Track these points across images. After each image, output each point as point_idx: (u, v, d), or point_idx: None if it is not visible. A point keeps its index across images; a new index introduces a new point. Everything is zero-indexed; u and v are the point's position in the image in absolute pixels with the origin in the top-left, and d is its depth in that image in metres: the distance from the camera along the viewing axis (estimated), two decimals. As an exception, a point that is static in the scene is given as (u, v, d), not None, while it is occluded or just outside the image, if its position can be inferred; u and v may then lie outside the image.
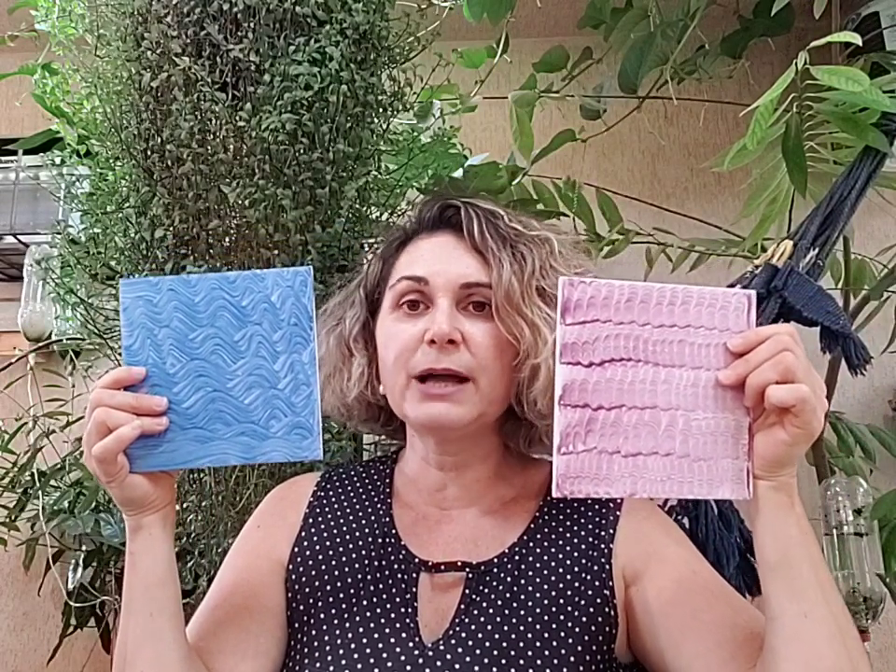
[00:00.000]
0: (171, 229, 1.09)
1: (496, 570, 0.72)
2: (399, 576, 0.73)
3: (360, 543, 0.76)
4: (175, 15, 1.07)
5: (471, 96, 1.54)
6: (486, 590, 0.71)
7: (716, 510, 0.97)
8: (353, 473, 0.85)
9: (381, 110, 1.18)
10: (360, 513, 0.80)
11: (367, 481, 0.84)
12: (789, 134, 1.06)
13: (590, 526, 0.75)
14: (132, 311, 0.65)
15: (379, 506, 0.80)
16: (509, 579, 0.72)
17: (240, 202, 1.06)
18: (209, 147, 1.07)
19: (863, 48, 1.23)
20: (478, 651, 0.67)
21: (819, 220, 1.01)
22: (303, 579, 0.75)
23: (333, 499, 0.81)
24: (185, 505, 1.14)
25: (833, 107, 1.04)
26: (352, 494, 0.82)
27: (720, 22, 1.59)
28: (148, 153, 1.10)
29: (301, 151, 1.06)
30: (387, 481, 0.83)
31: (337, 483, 0.83)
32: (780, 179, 1.23)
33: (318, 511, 0.80)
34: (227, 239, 1.11)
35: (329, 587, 0.74)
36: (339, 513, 0.80)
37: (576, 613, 0.70)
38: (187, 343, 0.65)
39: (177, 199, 1.09)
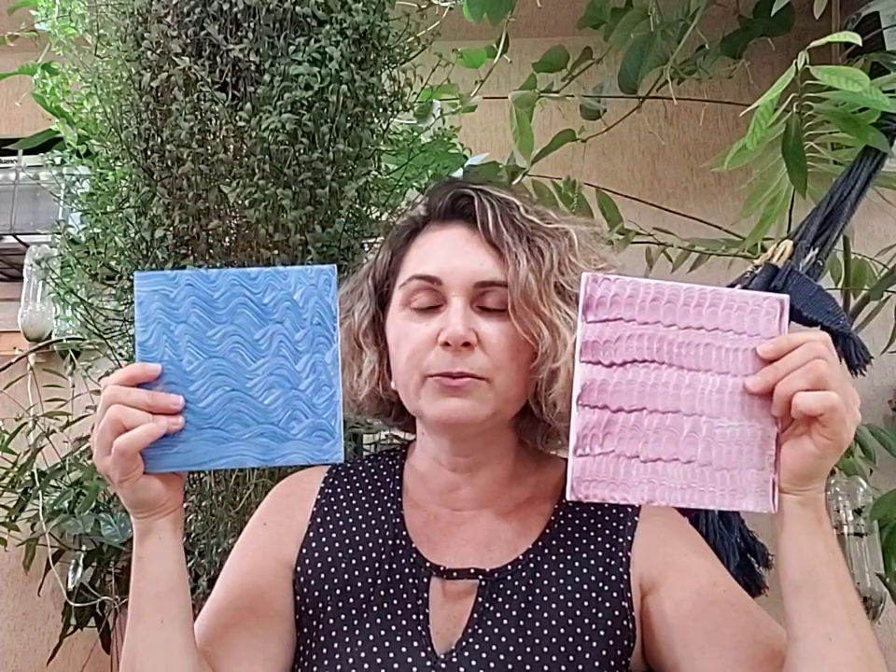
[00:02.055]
0: (171, 229, 1.09)
1: (509, 578, 0.70)
2: (411, 581, 0.71)
3: (370, 546, 0.74)
4: (175, 15, 1.07)
5: (471, 96, 1.54)
6: (500, 599, 0.69)
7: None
8: (361, 469, 0.82)
9: (381, 110, 1.17)
10: (370, 513, 0.77)
11: (376, 477, 0.81)
12: (789, 134, 1.06)
13: (607, 532, 0.73)
14: (147, 305, 0.62)
15: (389, 505, 0.77)
16: (523, 588, 0.69)
17: (240, 202, 1.05)
18: (209, 147, 1.07)
19: (863, 48, 1.23)
20: (491, 665, 0.66)
21: (819, 220, 1.01)
22: (312, 582, 0.73)
23: (341, 497, 0.79)
24: (185, 505, 1.14)
25: (833, 107, 1.04)
26: (360, 492, 0.79)
27: (720, 22, 1.59)
28: (148, 153, 1.10)
29: (301, 151, 1.06)
30: (397, 478, 0.80)
31: (345, 480, 0.81)
32: (780, 179, 1.23)
33: (326, 509, 0.78)
34: (227, 239, 1.11)
35: (338, 591, 0.72)
36: (347, 513, 0.77)
37: (593, 627, 0.68)
38: (204, 340, 0.62)
39: (177, 199, 1.09)
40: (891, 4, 1.80)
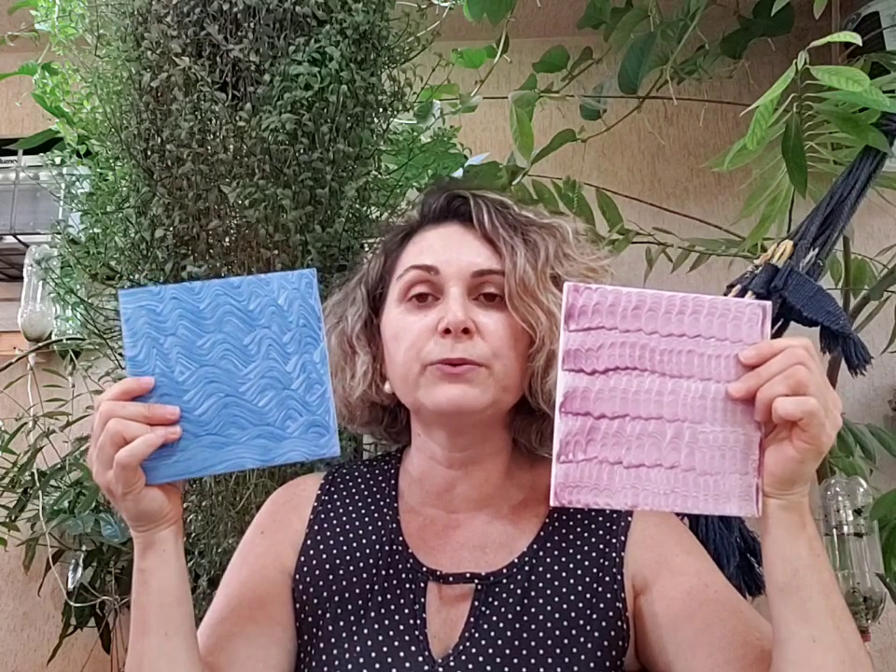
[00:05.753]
0: (171, 229, 1.09)
1: (505, 581, 0.71)
2: (408, 586, 0.72)
3: (367, 552, 0.75)
4: (175, 15, 1.07)
5: (471, 96, 1.53)
6: (496, 602, 0.70)
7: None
8: (357, 474, 0.83)
9: (381, 110, 1.17)
10: (366, 519, 0.77)
11: (371, 483, 0.81)
12: (789, 134, 1.06)
13: (600, 532, 0.73)
14: (134, 321, 0.63)
15: (385, 510, 0.78)
16: (519, 591, 0.70)
17: (240, 202, 1.05)
18: (209, 147, 1.07)
19: (863, 48, 1.23)
20: (488, 668, 0.66)
21: (819, 220, 1.01)
22: (311, 589, 0.73)
23: (338, 503, 0.79)
24: (185, 505, 1.14)
25: (833, 107, 1.04)
26: (357, 497, 0.80)
27: (720, 22, 1.59)
28: (148, 153, 1.09)
29: (301, 151, 1.06)
30: (392, 482, 0.80)
31: (341, 486, 0.81)
32: (780, 179, 1.23)
33: (323, 516, 0.78)
34: (227, 239, 1.10)
35: (336, 598, 0.72)
36: (344, 519, 0.78)
37: (588, 627, 0.68)
38: (195, 350, 0.64)
39: (177, 199, 1.09)
40: (891, 4, 1.80)
